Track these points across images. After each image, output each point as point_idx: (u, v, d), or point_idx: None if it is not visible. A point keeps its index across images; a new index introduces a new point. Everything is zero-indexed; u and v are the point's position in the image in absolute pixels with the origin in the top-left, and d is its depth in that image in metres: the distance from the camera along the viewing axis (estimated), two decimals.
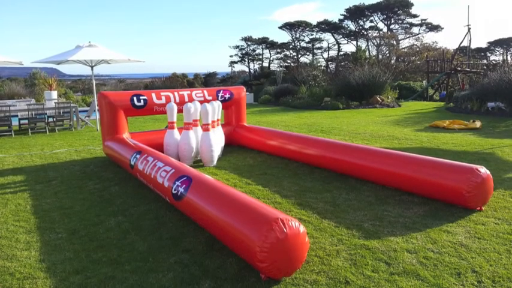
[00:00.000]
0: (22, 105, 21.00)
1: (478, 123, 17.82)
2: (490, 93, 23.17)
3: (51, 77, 32.93)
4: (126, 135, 12.09)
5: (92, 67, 19.42)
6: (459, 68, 38.61)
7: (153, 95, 12.58)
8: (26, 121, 19.22)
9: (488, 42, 74.19)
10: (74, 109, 20.50)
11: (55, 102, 22.00)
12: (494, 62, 47.61)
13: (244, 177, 10.27)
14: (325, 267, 5.46)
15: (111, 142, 11.76)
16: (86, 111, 23.23)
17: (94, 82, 21.16)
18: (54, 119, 19.68)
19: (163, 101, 12.56)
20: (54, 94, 26.63)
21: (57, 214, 7.89)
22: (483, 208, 7.57)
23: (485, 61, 52.92)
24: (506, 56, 68.60)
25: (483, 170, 7.57)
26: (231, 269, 5.51)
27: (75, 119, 20.66)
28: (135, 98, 12.25)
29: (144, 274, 5.43)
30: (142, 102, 12.29)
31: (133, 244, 6.44)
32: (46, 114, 19.51)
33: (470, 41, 42.26)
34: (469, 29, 40.74)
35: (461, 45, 42.24)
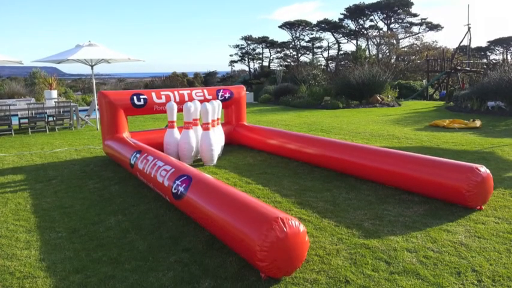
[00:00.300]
0: (22, 105, 21.07)
1: (478, 123, 17.81)
2: (490, 93, 23.17)
3: (51, 76, 32.88)
4: (126, 135, 12.09)
5: (92, 66, 19.43)
6: (459, 67, 38.61)
7: (153, 94, 12.57)
8: (26, 120, 19.23)
9: (488, 42, 74.33)
10: (74, 108, 20.50)
11: (55, 102, 21.97)
12: (494, 61, 47.60)
13: (244, 176, 10.27)
14: (325, 267, 5.46)
15: (111, 141, 11.77)
16: (86, 110, 23.27)
17: (94, 81, 21.13)
18: (54, 118, 19.68)
19: (163, 100, 12.55)
20: (54, 93, 26.70)
21: (57, 213, 7.90)
22: (483, 207, 7.57)
23: (485, 60, 52.92)
24: (506, 55, 68.61)
25: (483, 169, 7.56)
26: (231, 268, 5.51)
27: (75, 118, 20.65)
28: (135, 97, 12.25)
29: (144, 273, 5.43)
30: (142, 102, 12.28)
31: (133, 243, 6.44)
32: (46, 113, 19.52)
33: (470, 40, 42.24)
34: (469, 28, 40.74)
35: (461, 44, 42.25)
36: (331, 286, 4.99)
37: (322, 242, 6.26)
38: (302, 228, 5.16)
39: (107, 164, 12.00)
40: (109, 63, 20.35)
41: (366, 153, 9.38)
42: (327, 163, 10.38)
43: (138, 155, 9.72)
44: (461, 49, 47.27)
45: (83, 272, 5.50)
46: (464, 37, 41.14)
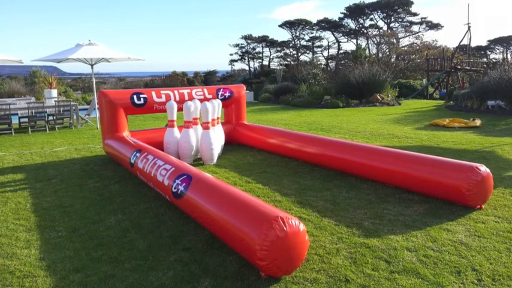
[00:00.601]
0: (22, 104, 21.05)
1: (478, 122, 17.83)
2: (490, 92, 23.21)
3: (51, 75, 32.85)
4: (126, 134, 12.09)
5: (92, 65, 19.40)
6: (459, 67, 38.75)
7: (153, 93, 12.56)
8: (26, 119, 19.27)
9: (488, 41, 74.32)
10: (74, 107, 20.54)
11: (55, 101, 21.96)
12: (494, 60, 47.61)
13: (244, 175, 10.27)
14: (325, 266, 5.46)
15: (111, 140, 11.77)
16: (86, 109, 23.34)
17: (94, 80, 21.03)
18: (54, 117, 19.70)
19: (163, 99, 12.54)
20: (54, 92, 26.70)
21: (57, 212, 7.91)
22: (483, 206, 7.58)
23: (485, 59, 52.91)
24: (506, 54, 68.60)
25: (483, 168, 7.57)
26: (231, 267, 5.52)
27: (75, 117, 20.68)
28: (135, 97, 12.23)
29: (144, 272, 5.44)
30: (142, 101, 12.27)
31: (133, 242, 6.44)
32: (46, 112, 19.54)
33: (470, 39, 42.39)
34: (469, 27, 40.83)
35: (461, 43, 42.39)
36: (331, 285, 4.99)
37: (322, 241, 6.26)
38: (302, 227, 5.16)
39: (107, 163, 12.01)
40: (109, 62, 20.36)
41: (365, 153, 9.38)
42: (327, 162, 10.38)
43: (138, 154, 9.72)
44: (461, 48, 47.39)
45: (83, 271, 5.50)
46: (464, 36, 41.28)
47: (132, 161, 9.82)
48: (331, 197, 8.38)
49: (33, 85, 36.70)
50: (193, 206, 6.62)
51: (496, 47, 74.17)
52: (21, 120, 19.52)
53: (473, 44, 61.81)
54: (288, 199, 8.31)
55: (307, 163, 11.21)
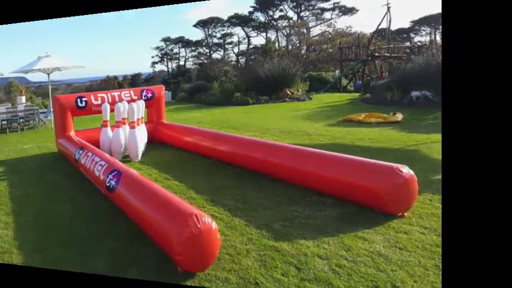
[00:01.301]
0: (2, 109, 23.06)
1: (399, 116, 14.64)
2: (414, 81, 18.32)
3: (21, 85, 37.10)
4: (72, 133, 12.29)
5: (48, 74, 20.70)
6: (377, 54, 32.35)
7: (92, 96, 12.68)
8: (6, 122, 21.29)
9: (411, 22, 55.82)
10: (36, 111, 22.35)
11: (24, 106, 23.82)
12: (419, 43, 41.44)
13: (164, 172, 9.84)
14: (236, 266, 5.04)
15: (62, 139, 12.08)
16: (45, 112, 25.19)
17: (50, 87, 22.79)
18: (23, 120, 21.58)
19: (99, 101, 12.54)
20: (23, 99, 28.66)
21: (26, 200, 8.44)
22: (405, 214, 6.12)
23: (408, 43, 44.89)
24: (435, 35, 50.32)
25: (406, 169, 6.12)
26: (155, 259, 5.41)
27: (37, 119, 22.28)
28: (78, 100, 12.40)
29: (85, 257, 5.60)
30: (84, 104, 12.41)
31: (78, 230, 6.64)
32: (18, 116, 21.50)
33: (390, 21, 35.21)
34: (388, 8, 33.62)
35: (380, 27, 35.52)
36: (241, 287, 4.67)
37: (233, 241, 5.73)
38: (214, 225, 4.98)
39: (59, 159, 12.27)
40: (60, 70, 21.45)
41: (274, 151, 8.45)
42: (238, 161, 9.53)
43: (80, 152, 9.87)
44: (380, 33, 39.79)
45: (41, 252, 5.90)
46: (382, 19, 34.54)
47: (76, 158, 9.96)
48: (242, 196, 7.54)
49: (10, 93, 39.06)
50: (123, 200, 6.63)
51: (422, 28, 54.71)
52: (2, 122, 21.66)
53: (393, 27, 48.08)
54: (201, 197, 7.74)
55: (220, 161, 10.35)
